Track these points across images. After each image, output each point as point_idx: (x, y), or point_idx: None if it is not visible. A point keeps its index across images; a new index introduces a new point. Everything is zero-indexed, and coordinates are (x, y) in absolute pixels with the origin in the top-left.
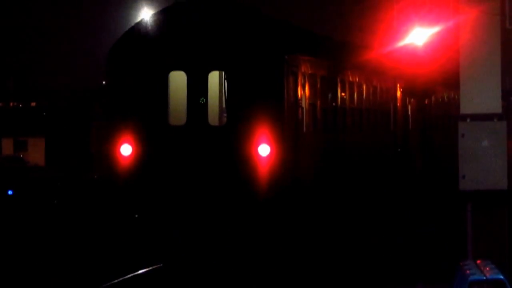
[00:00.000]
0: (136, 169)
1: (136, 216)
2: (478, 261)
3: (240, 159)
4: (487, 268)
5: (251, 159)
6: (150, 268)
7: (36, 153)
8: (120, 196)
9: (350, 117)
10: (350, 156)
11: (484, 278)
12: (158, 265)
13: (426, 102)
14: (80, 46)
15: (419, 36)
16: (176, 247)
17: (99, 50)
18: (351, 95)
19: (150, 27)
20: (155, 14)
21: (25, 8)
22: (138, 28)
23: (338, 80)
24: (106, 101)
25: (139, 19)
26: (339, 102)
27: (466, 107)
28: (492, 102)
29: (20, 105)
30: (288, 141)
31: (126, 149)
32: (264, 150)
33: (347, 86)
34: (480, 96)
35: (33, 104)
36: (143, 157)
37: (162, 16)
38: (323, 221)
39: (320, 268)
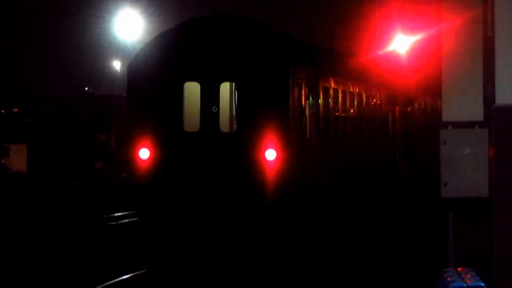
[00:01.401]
0: (153, 171)
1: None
2: (459, 269)
3: (248, 163)
4: (468, 276)
5: (259, 163)
6: (138, 272)
7: (18, 159)
8: (138, 195)
9: (350, 124)
10: (349, 160)
11: (465, 285)
12: (144, 270)
13: (408, 109)
14: (63, 53)
15: (401, 43)
16: (184, 245)
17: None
18: (350, 104)
19: (166, 42)
20: (170, 30)
21: (7, 15)
22: (155, 43)
23: (338, 90)
24: (127, 110)
25: (118, 26)
26: (339, 111)
27: (448, 115)
28: (474, 110)
29: (2, 111)
30: (293, 146)
31: (144, 153)
32: (270, 154)
33: (347, 95)
34: (462, 104)
35: (16, 110)
36: (160, 160)
37: (177, 31)
38: (325, 222)
39: (322, 270)
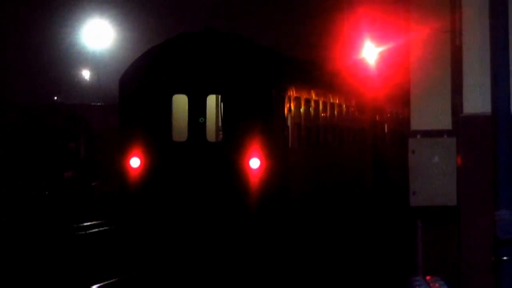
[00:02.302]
0: (143, 179)
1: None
2: (428, 277)
3: (233, 171)
4: (436, 284)
5: (243, 171)
6: (107, 282)
7: None
8: (129, 202)
9: (330, 134)
10: (329, 168)
11: None
12: (114, 279)
13: (377, 118)
14: (32, 62)
15: (369, 52)
16: (174, 249)
17: (52, 67)
18: (330, 114)
19: (155, 56)
20: (159, 45)
21: None
22: (145, 57)
23: (319, 101)
24: (118, 121)
25: (88, 35)
26: (320, 121)
27: (417, 123)
28: (442, 119)
29: None
30: (276, 155)
31: (135, 162)
32: (255, 163)
33: (327, 106)
34: (430, 113)
35: None
36: (150, 169)
37: (166, 46)
38: (305, 229)
39: (300, 276)
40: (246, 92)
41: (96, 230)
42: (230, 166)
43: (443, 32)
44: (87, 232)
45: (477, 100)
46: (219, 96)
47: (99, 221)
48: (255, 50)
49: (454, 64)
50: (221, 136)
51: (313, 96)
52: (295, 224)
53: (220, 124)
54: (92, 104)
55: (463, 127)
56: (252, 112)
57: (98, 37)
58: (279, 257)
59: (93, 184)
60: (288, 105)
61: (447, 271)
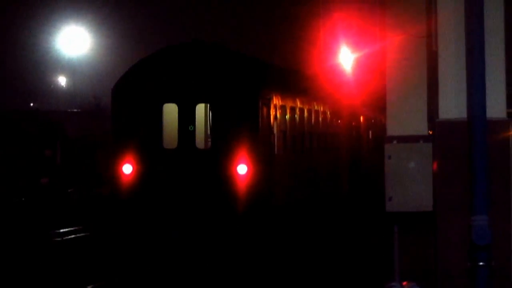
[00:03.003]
0: (135, 185)
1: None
2: (404, 283)
3: (222, 176)
4: None
5: (231, 177)
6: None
7: None
8: (122, 207)
9: (315, 140)
10: (314, 173)
11: None
12: (90, 286)
13: (353, 124)
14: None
15: (346, 58)
16: (166, 251)
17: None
18: (314, 121)
19: (145, 67)
20: (150, 56)
21: None
22: (136, 68)
23: (304, 109)
24: (111, 129)
25: (63, 42)
26: (304, 128)
27: (393, 129)
28: (418, 124)
29: None
30: (263, 161)
31: (127, 168)
32: (242, 169)
33: (312, 113)
34: (406, 118)
35: None
36: (142, 175)
37: (156, 57)
38: (288, 230)
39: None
40: (233, 101)
41: (73, 236)
42: (218, 172)
43: (419, 37)
44: (63, 238)
45: (453, 105)
46: (208, 105)
47: (75, 228)
48: (241, 60)
49: (430, 69)
50: (209, 143)
51: (297, 103)
52: (279, 227)
53: (208, 131)
54: (68, 110)
55: (439, 132)
56: (239, 120)
57: (74, 43)
58: (264, 259)
59: (69, 190)
60: (273, 113)
61: (423, 276)
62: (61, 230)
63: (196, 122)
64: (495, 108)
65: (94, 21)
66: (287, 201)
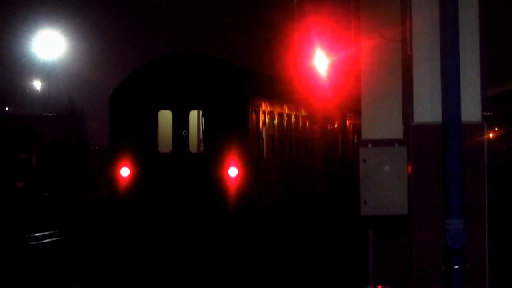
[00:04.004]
0: (132, 187)
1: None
2: (379, 286)
3: (214, 179)
4: None
5: (223, 179)
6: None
7: None
8: (120, 208)
9: (302, 144)
10: (300, 176)
11: None
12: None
13: (328, 127)
14: None
15: (320, 61)
16: (159, 251)
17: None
18: (302, 126)
19: (141, 76)
20: (145, 66)
21: None
22: (133, 77)
23: (291, 115)
24: (109, 134)
25: (38, 45)
26: (291, 133)
27: (368, 133)
28: (393, 128)
29: None
30: (252, 164)
31: (125, 171)
32: (233, 172)
33: (299, 119)
34: (381, 122)
35: None
36: (138, 177)
37: (151, 66)
38: (273, 230)
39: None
40: (224, 108)
41: (49, 240)
42: (210, 174)
43: (393, 41)
44: (39, 242)
45: (428, 109)
46: (200, 111)
47: (51, 231)
48: (231, 69)
49: (405, 73)
50: (202, 147)
51: (285, 109)
52: (265, 227)
53: (201, 136)
54: (44, 114)
55: (414, 136)
56: (230, 125)
57: (49, 47)
58: (252, 257)
59: (44, 194)
60: (262, 119)
61: (398, 280)
62: (37, 234)
63: (189, 128)
64: (470, 111)
65: (69, 25)
66: (271, 202)
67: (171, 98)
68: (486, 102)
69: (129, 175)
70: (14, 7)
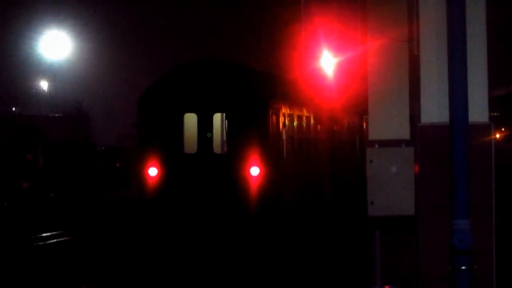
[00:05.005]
0: (160, 186)
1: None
2: (386, 287)
3: (236, 178)
4: None
5: (245, 178)
6: None
7: None
8: (148, 205)
9: (321, 144)
10: (307, 176)
11: None
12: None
13: (335, 128)
14: None
15: (327, 62)
16: (185, 246)
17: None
18: (307, 127)
19: (168, 81)
20: (171, 72)
21: None
22: (159, 82)
23: (310, 116)
24: (138, 136)
25: (45, 46)
26: (310, 134)
27: (374, 133)
28: (400, 128)
29: None
30: (272, 164)
31: (153, 171)
32: (255, 171)
33: (306, 120)
34: (388, 122)
35: None
36: (165, 177)
37: (176, 72)
38: (292, 225)
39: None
40: (246, 110)
41: (55, 240)
42: (233, 173)
43: (400, 41)
44: (46, 242)
45: (435, 109)
46: (224, 114)
47: (57, 232)
48: (252, 74)
49: (412, 73)
50: (225, 148)
51: (304, 112)
52: (282, 223)
53: (224, 138)
54: (50, 115)
55: (421, 136)
56: (252, 127)
57: (55, 48)
58: (272, 253)
59: (51, 195)
60: (281, 121)
61: (405, 281)
62: (43, 234)
63: (213, 130)
64: (477, 111)
65: (75, 26)
66: (290, 200)
67: (196, 101)
68: (492, 103)
69: (157, 174)
70: (21, 8)
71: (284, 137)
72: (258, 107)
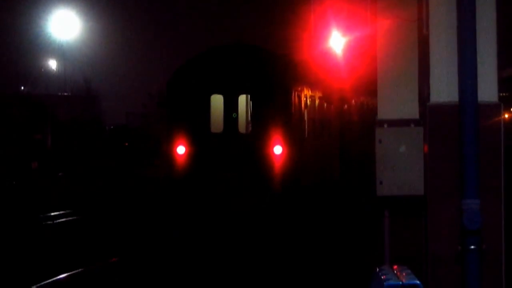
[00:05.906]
0: (187, 164)
1: None
2: (395, 267)
3: (261, 156)
4: (404, 274)
5: (269, 157)
6: (74, 272)
7: None
8: (177, 184)
9: (338, 125)
10: (323, 156)
11: (400, 283)
12: (80, 269)
13: (344, 108)
14: None
15: (337, 42)
16: (211, 222)
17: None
18: (324, 108)
19: (196, 64)
20: (198, 55)
21: None
22: (187, 65)
23: (321, 98)
24: (167, 116)
25: (54, 25)
26: (329, 115)
27: (383, 113)
28: (409, 108)
29: None
30: (295, 143)
31: (181, 149)
32: (278, 150)
33: (322, 101)
34: (397, 102)
35: None
36: (193, 155)
37: (204, 56)
38: (312, 207)
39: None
40: (270, 92)
41: (64, 220)
42: (257, 152)
43: (410, 21)
44: (54, 222)
45: (444, 89)
46: (249, 96)
47: (66, 211)
48: (275, 57)
49: (421, 53)
50: (250, 128)
51: (319, 93)
52: (302, 201)
53: (249, 118)
54: (59, 94)
55: (430, 116)
56: (275, 108)
57: (64, 27)
58: (295, 232)
59: (59, 174)
60: (303, 102)
61: (414, 261)
62: (52, 214)
63: (238, 110)
64: (486, 91)
65: (85, 5)
66: (310, 180)
67: (222, 83)
68: (501, 83)
69: (185, 152)
70: None
71: (305, 118)
72: (282, 89)
